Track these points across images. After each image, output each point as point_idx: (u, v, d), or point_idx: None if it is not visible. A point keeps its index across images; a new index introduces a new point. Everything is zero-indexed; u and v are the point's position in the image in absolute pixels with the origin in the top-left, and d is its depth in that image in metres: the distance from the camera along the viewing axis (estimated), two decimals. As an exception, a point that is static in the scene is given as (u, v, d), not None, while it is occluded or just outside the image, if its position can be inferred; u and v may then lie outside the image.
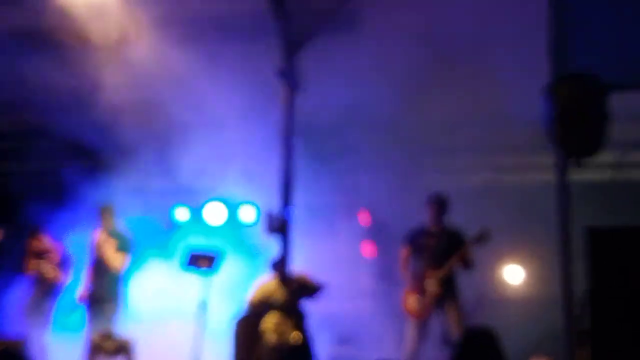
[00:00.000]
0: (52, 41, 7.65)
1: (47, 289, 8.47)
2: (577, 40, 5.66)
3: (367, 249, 10.14)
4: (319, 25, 7.42)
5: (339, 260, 9.28)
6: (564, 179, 5.57)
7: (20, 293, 8.69)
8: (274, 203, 7.53)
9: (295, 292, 6.74)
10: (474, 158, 11.38)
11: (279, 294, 6.70)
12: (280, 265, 7.02)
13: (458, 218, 8.51)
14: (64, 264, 8.50)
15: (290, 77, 7.52)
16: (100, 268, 7.90)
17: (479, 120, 9.11)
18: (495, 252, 10.84)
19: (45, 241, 8.74)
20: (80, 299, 8.02)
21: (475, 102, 8.52)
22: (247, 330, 6.79)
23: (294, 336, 6.53)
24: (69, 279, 8.58)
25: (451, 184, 11.91)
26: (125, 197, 9.14)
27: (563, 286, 5.45)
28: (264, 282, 6.90)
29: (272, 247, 7.33)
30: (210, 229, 9.96)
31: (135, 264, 8.46)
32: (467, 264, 7.84)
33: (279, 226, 7.23)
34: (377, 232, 9.97)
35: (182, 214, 10.36)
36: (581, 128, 5.28)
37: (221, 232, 9.86)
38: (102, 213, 8.08)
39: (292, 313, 6.67)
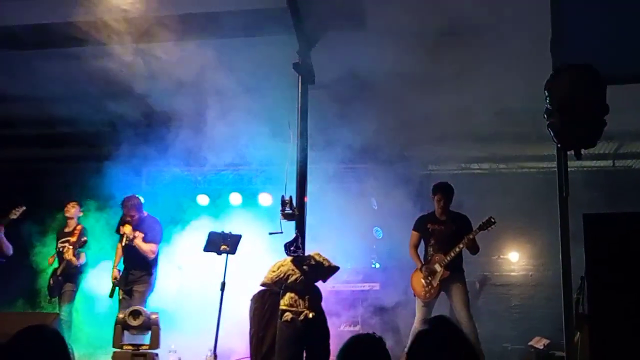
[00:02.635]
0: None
1: (67, 269, 8.53)
2: (576, 33, 5.63)
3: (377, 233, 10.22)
4: (332, 21, 7.48)
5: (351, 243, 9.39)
6: (563, 169, 5.55)
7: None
8: (289, 189, 7.64)
9: (309, 272, 6.77)
10: (478, 146, 11.42)
11: (294, 274, 6.75)
12: (294, 247, 7.10)
13: (462, 204, 8.57)
14: (80, 240, 8.54)
15: (304, 71, 7.59)
16: (130, 255, 7.96)
17: (481, 110, 9.07)
18: (500, 238, 10.92)
19: (75, 210, 8.80)
20: (113, 282, 8.09)
21: (478, 93, 8.51)
22: (263, 307, 6.85)
23: (307, 314, 6.59)
24: (84, 258, 8.64)
25: (454, 172, 12.10)
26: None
27: (563, 271, 5.47)
28: (279, 262, 6.94)
29: (288, 229, 7.45)
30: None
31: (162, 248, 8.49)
32: (473, 249, 7.88)
33: (294, 210, 7.33)
34: (385, 218, 9.99)
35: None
36: (580, 120, 5.25)
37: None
38: (126, 206, 8.10)
39: (307, 292, 6.72)
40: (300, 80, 7.63)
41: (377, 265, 10.17)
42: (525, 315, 11.47)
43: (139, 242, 7.86)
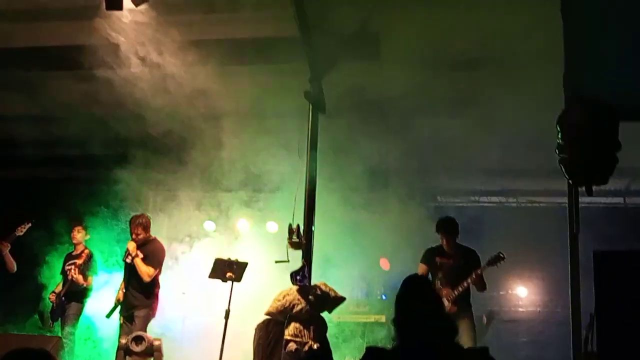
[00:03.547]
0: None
1: (73, 291, 8.49)
2: (589, 68, 5.59)
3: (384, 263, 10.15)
4: (342, 51, 7.52)
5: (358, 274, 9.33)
6: (574, 206, 5.50)
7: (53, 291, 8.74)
8: (297, 218, 7.62)
9: (315, 302, 6.73)
10: (488, 180, 11.40)
11: (299, 304, 6.70)
12: (300, 276, 7.07)
13: (471, 238, 8.50)
14: (87, 265, 8.52)
15: (315, 100, 7.62)
16: (131, 275, 7.92)
17: (493, 144, 9.06)
18: (508, 272, 10.84)
19: (81, 235, 8.80)
20: (116, 302, 8.04)
21: (491, 126, 8.50)
22: (267, 336, 6.78)
23: (312, 345, 6.54)
24: (91, 281, 8.61)
25: (465, 205, 12.06)
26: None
27: (572, 308, 5.40)
28: (284, 291, 6.89)
29: (294, 258, 7.41)
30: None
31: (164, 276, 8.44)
32: (480, 285, 7.79)
33: (300, 239, 7.31)
34: (393, 248, 9.94)
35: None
36: (591, 156, 5.20)
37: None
38: (134, 224, 8.08)
39: (312, 322, 6.67)
40: (310, 109, 7.66)
41: (384, 297, 10.06)
42: (533, 351, 11.33)
43: (138, 261, 7.80)
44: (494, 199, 12.17)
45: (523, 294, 11.97)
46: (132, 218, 8.16)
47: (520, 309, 12.02)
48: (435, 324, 3.65)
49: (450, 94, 8.41)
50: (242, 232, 10.13)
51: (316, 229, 7.90)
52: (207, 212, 10.32)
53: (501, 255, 7.69)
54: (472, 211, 11.64)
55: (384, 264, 10.13)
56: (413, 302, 3.73)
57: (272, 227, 10.06)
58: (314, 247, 7.79)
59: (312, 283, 7.01)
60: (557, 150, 5.37)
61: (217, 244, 9.72)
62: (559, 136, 5.32)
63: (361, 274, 9.66)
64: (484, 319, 10.95)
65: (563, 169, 5.33)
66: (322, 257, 8.41)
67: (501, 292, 11.80)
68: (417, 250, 8.38)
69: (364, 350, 3.71)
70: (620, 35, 5.54)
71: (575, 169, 5.27)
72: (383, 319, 9.39)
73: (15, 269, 8.35)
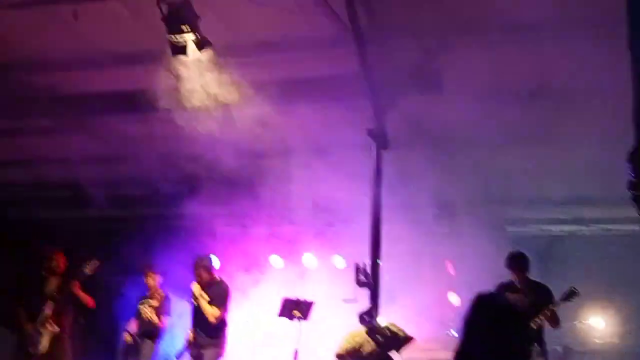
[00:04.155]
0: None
1: (147, 331, 8.59)
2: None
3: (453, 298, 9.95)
4: (406, 87, 7.47)
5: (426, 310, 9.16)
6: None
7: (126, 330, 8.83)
8: (363, 256, 7.55)
9: (385, 343, 6.63)
10: (559, 209, 11.10)
11: (368, 345, 6.62)
12: (369, 317, 6.98)
13: (543, 267, 8.28)
14: (163, 307, 8.61)
15: (378, 137, 7.58)
16: (198, 316, 7.98)
17: (563, 172, 8.85)
18: (582, 303, 10.48)
19: (155, 281, 8.90)
20: (185, 343, 8.09)
21: (557, 154, 8.32)
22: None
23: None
24: (168, 323, 8.68)
25: (536, 235, 11.76)
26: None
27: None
28: (353, 332, 6.82)
29: (361, 298, 7.33)
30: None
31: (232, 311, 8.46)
32: (554, 322, 7.54)
33: (368, 278, 7.23)
34: (462, 282, 9.74)
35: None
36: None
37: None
38: (198, 266, 8.14)
39: (381, 364, 6.58)
40: (374, 146, 7.61)
41: (455, 334, 9.81)
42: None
43: (203, 303, 7.86)
44: (565, 227, 11.82)
45: (598, 325, 11.52)
46: (195, 260, 8.23)
47: (596, 340, 11.58)
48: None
49: (517, 124, 8.25)
50: (309, 267, 10.10)
51: (382, 262, 7.80)
52: (275, 246, 10.34)
53: (575, 290, 7.45)
54: (544, 240, 11.35)
55: (454, 298, 9.94)
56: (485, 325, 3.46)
57: (339, 262, 10.01)
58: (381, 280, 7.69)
59: (381, 322, 6.91)
60: (628, 187, 5.19)
61: (285, 279, 9.74)
62: (632, 173, 5.14)
63: (429, 309, 9.47)
64: (560, 349, 10.59)
65: (637, 207, 5.13)
66: (388, 291, 8.30)
67: (574, 323, 11.41)
68: (487, 284, 8.19)
69: None
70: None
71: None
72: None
73: (94, 304, 8.44)
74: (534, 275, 7.96)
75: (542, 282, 8.00)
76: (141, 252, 9.99)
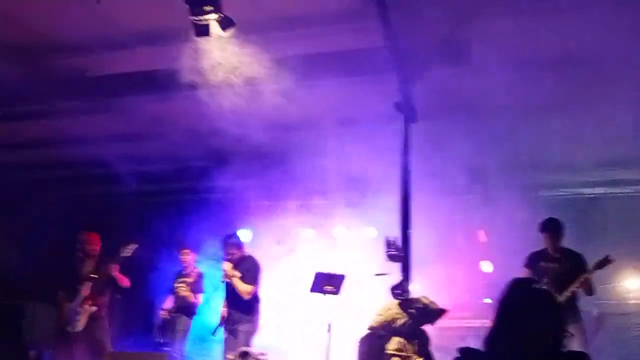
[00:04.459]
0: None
1: (182, 307, 8.68)
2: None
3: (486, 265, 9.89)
4: (433, 58, 7.36)
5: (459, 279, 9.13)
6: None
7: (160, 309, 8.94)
8: (394, 227, 7.52)
9: (417, 316, 6.64)
10: (591, 172, 10.96)
11: (401, 318, 6.63)
12: (401, 289, 6.98)
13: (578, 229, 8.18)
14: (197, 284, 8.70)
15: (406, 110, 7.49)
16: (231, 293, 8.05)
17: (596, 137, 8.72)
18: (617, 264, 10.37)
19: (190, 258, 8.99)
20: (220, 319, 8.19)
21: (586, 121, 8.20)
22: (371, 351, 6.75)
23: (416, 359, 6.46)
24: (201, 299, 8.77)
25: (569, 197, 11.61)
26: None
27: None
28: (386, 305, 6.83)
29: (393, 270, 7.32)
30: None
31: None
32: (589, 290, 7.48)
33: (399, 252, 7.21)
34: (495, 250, 9.68)
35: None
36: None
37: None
38: (227, 244, 8.19)
39: (414, 337, 6.59)
40: (402, 120, 7.54)
41: (490, 301, 9.75)
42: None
43: (236, 281, 7.92)
44: (598, 190, 11.64)
45: (634, 286, 11.39)
46: (224, 239, 8.27)
47: (631, 302, 11.46)
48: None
49: (547, 92, 8.13)
50: (341, 239, 10.10)
51: (413, 232, 7.77)
52: (307, 220, 10.33)
53: (609, 258, 7.37)
54: (578, 203, 11.21)
55: (486, 266, 9.88)
56: (518, 308, 3.47)
57: (371, 232, 9.98)
58: (413, 253, 7.67)
59: (413, 295, 6.91)
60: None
61: (318, 252, 9.76)
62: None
63: (462, 278, 9.44)
64: (595, 312, 10.51)
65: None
66: (419, 262, 8.29)
67: (610, 285, 11.28)
68: (520, 251, 8.14)
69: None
70: None
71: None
72: (488, 322, 9.08)
73: (129, 284, 8.57)
74: (569, 237, 7.91)
75: (577, 245, 7.94)
76: (174, 227, 10.07)
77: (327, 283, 7.40)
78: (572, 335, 7.27)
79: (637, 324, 11.13)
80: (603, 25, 6.57)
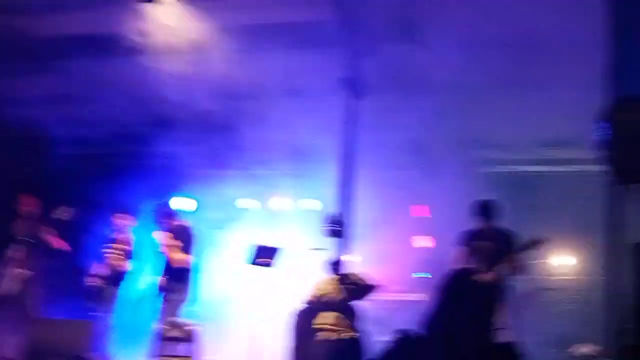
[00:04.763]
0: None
1: (112, 275, 8.53)
2: (634, 64, 5.39)
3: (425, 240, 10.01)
4: (384, 34, 7.38)
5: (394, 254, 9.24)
6: (616, 198, 5.35)
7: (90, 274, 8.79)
8: (336, 201, 7.56)
9: (350, 291, 6.74)
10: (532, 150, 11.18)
11: (335, 293, 6.73)
12: (337, 265, 7.07)
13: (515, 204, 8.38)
14: (129, 251, 8.55)
15: (352, 85, 7.49)
16: (163, 262, 8.00)
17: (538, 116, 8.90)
18: (549, 241, 10.64)
19: (124, 223, 8.80)
20: (151, 288, 8.13)
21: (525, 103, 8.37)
22: (304, 324, 6.84)
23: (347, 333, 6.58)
24: (131, 267, 8.63)
25: (507, 174, 11.85)
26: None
27: (607, 295, 5.32)
28: (321, 280, 6.91)
29: (331, 246, 7.39)
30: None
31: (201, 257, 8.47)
32: (520, 269, 7.66)
33: (337, 228, 7.28)
34: (431, 225, 9.82)
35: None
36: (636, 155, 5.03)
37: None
38: (159, 213, 8.09)
39: (347, 311, 6.69)
40: (347, 95, 7.54)
41: (429, 275, 9.87)
42: (574, 319, 11.19)
43: (168, 250, 7.88)
44: (538, 167, 11.89)
45: (567, 262, 11.74)
46: (156, 208, 8.17)
47: (562, 277, 11.81)
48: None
49: (493, 70, 8.23)
50: (282, 210, 10.08)
51: (355, 206, 7.84)
52: (250, 190, 10.28)
53: (540, 238, 7.54)
54: (516, 179, 11.42)
55: (425, 241, 10.00)
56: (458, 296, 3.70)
57: (314, 204, 9.99)
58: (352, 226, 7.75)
59: (349, 271, 7.00)
60: (601, 147, 5.20)
61: (259, 223, 9.73)
62: (609, 132, 5.12)
63: (401, 252, 9.55)
64: (525, 287, 10.78)
65: (609, 166, 5.16)
66: (358, 236, 8.36)
67: (542, 260, 11.58)
68: (459, 227, 8.29)
69: None
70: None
71: (624, 167, 5.10)
72: (424, 297, 9.25)
73: (67, 247, 8.40)
74: (506, 212, 8.07)
75: (513, 221, 8.10)
76: (113, 191, 9.88)
77: (264, 255, 7.41)
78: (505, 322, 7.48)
79: (566, 299, 11.51)
80: (548, 7, 6.67)
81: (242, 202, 10.23)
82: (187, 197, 9.05)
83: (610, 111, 5.19)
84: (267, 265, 7.36)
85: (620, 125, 5.10)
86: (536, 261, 11.11)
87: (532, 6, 6.90)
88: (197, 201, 9.79)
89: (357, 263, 7.51)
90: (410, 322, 8.95)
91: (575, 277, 11.49)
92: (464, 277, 3.92)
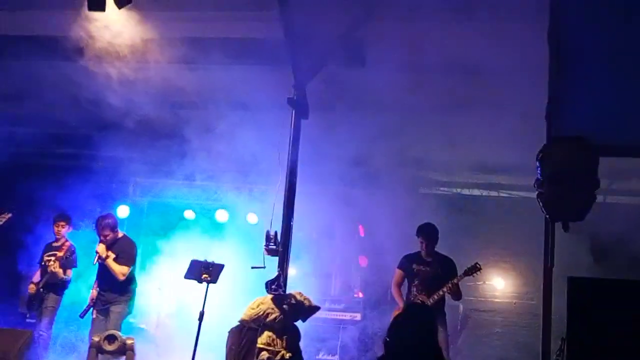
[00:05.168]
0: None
1: (52, 283, 8.30)
2: (573, 102, 5.53)
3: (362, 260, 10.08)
4: (327, 57, 7.43)
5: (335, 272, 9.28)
6: (550, 241, 5.46)
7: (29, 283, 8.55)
8: (277, 216, 7.52)
9: (289, 312, 6.69)
10: (472, 174, 11.37)
11: (273, 313, 6.66)
12: (276, 285, 7.01)
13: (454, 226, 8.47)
14: (69, 259, 8.35)
15: (299, 105, 7.49)
16: (105, 274, 7.85)
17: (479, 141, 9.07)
18: (487, 264, 10.84)
19: (64, 230, 8.59)
20: (89, 302, 7.95)
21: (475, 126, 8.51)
22: (240, 343, 6.73)
23: (284, 354, 6.53)
24: (70, 275, 8.44)
25: (447, 194, 12.04)
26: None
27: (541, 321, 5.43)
28: (259, 299, 6.84)
29: (271, 263, 7.34)
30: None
31: (141, 269, 8.34)
32: (456, 295, 7.78)
33: (277, 246, 7.24)
34: (372, 245, 9.88)
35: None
36: (569, 192, 5.16)
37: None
38: (100, 226, 7.94)
39: (285, 332, 6.64)
40: (293, 114, 7.53)
41: (361, 295, 9.97)
42: (507, 341, 11.41)
43: (110, 262, 7.74)
44: (477, 191, 12.10)
45: (500, 285, 11.97)
46: (98, 219, 8.01)
47: (497, 300, 12.04)
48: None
49: (436, 94, 8.35)
50: (223, 223, 10.00)
51: (295, 223, 7.81)
52: (190, 201, 10.17)
53: (478, 266, 7.68)
54: (456, 202, 11.60)
55: (362, 261, 10.07)
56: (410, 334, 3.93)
57: (253, 219, 9.94)
58: (292, 242, 7.72)
59: (288, 292, 6.96)
60: (535, 185, 5.34)
61: (198, 236, 9.61)
62: (538, 171, 5.28)
63: (338, 271, 9.59)
64: (460, 308, 10.95)
65: (540, 204, 5.29)
66: (298, 253, 8.35)
67: (478, 283, 11.80)
68: (397, 247, 8.36)
69: None
70: (605, 71, 5.48)
71: (553, 204, 5.23)
72: (359, 317, 9.31)
73: None
74: (445, 234, 8.15)
75: (452, 242, 8.24)
76: (52, 195, 9.63)
77: (203, 271, 7.29)
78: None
79: (501, 320, 11.74)
80: (490, 36, 6.81)
81: (185, 213, 10.13)
82: (128, 205, 8.83)
83: (542, 150, 5.33)
84: (207, 281, 7.23)
85: (549, 165, 5.23)
86: (475, 283, 11.39)
87: (469, 35, 7.06)
88: (139, 210, 9.62)
89: (296, 280, 7.46)
90: (348, 341, 9.09)
91: (512, 301, 11.76)
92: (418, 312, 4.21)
